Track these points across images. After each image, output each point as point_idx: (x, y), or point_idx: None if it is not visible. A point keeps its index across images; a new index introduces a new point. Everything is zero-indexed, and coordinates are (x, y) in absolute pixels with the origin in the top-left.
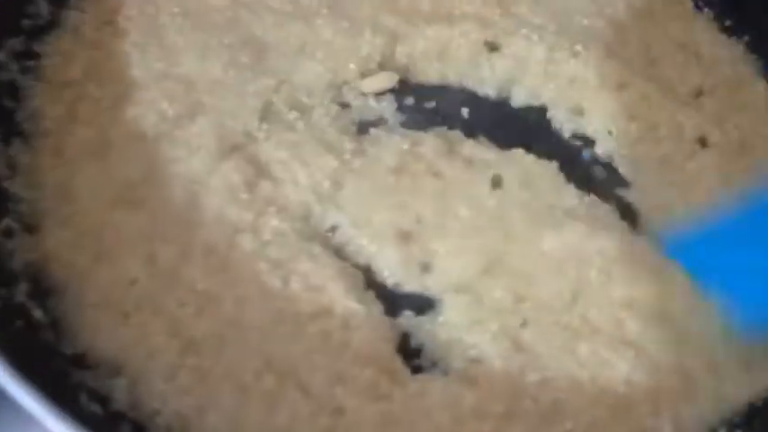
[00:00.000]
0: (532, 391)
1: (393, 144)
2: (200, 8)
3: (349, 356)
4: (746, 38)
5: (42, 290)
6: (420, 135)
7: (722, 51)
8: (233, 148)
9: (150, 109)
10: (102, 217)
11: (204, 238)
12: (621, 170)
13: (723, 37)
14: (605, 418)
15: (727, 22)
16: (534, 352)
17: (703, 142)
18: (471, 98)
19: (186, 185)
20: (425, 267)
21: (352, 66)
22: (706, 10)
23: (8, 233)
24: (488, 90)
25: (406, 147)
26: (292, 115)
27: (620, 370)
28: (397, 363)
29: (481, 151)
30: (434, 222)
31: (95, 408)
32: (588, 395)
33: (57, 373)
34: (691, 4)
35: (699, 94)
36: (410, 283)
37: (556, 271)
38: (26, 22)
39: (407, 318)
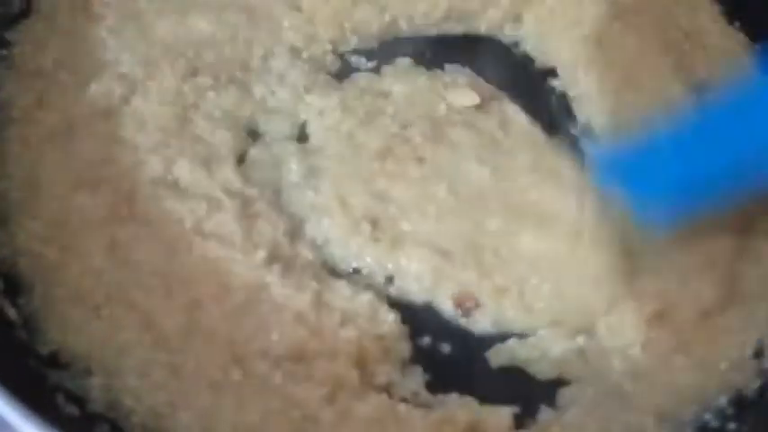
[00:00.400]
0: None
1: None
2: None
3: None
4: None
5: (14, 287)
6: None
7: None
8: None
9: (114, 84)
10: (66, 203)
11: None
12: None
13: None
14: None
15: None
16: None
17: None
18: None
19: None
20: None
21: None
22: None
23: None
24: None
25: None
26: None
27: None
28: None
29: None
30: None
31: (72, 409)
32: None
33: (33, 375)
34: None
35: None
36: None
37: None
38: None
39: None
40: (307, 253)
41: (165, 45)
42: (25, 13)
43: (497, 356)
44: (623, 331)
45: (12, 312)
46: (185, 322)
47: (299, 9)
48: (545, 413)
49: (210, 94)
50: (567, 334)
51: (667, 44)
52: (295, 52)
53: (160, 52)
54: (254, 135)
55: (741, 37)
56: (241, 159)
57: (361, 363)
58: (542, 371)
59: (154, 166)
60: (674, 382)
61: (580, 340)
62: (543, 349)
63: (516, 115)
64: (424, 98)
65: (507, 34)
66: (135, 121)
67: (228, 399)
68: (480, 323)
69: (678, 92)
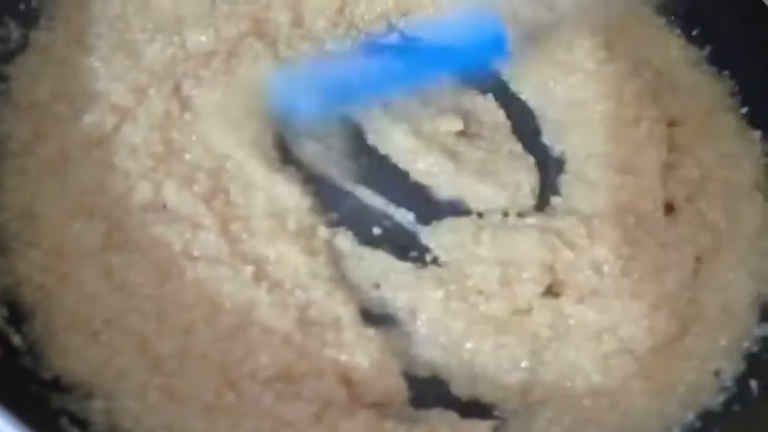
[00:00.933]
0: None
1: None
2: (174, 23)
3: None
4: (708, 47)
5: (17, 314)
6: None
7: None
8: None
9: (107, 114)
10: (63, 232)
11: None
12: None
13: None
14: None
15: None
16: None
17: None
18: None
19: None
20: None
21: None
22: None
23: None
24: None
25: None
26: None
27: None
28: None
29: None
30: None
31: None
32: None
33: (37, 399)
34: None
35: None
36: None
37: None
38: None
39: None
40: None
41: (152, 71)
42: (22, 47)
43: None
44: (581, 363)
45: (16, 339)
46: (179, 346)
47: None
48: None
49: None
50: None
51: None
52: None
53: (147, 78)
54: None
55: (713, 71)
56: None
57: (348, 381)
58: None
59: (144, 191)
60: (634, 404)
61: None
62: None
63: None
64: None
65: None
66: (126, 148)
67: (223, 421)
68: None
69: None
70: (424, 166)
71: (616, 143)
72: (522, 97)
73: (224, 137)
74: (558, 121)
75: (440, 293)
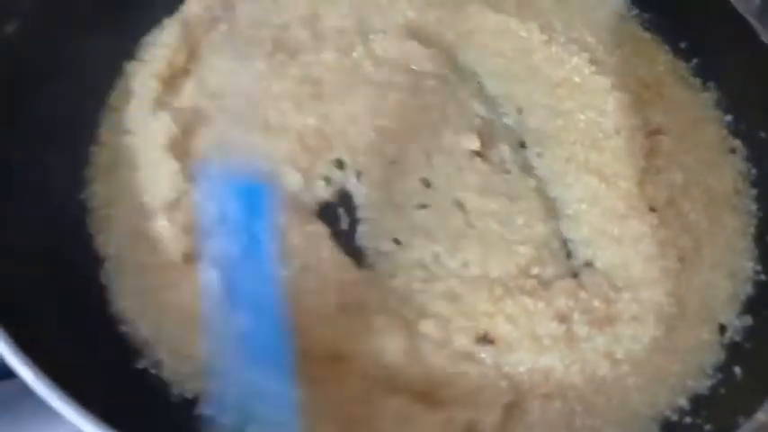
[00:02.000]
0: None
1: None
2: None
3: None
4: (695, 60)
5: None
6: None
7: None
8: None
9: None
10: None
11: None
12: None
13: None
14: None
15: (682, 45)
16: None
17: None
18: None
19: None
20: None
21: None
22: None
23: None
24: None
25: None
26: None
27: None
28: None
29: None
30: None
31: None
32: None
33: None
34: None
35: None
36: None
37: None
38: None
39: None
40: None
41: None
42: None
43: None
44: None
45: None
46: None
47: None
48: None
49: None
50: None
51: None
52: None
53: None
54: None
55: (697, 83)
56: None
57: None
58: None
59: None
60: (629, 397)
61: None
62: None
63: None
64: None
65: None
66: None
67: None
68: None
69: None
70: None
71: (596, 151)
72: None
73: None
74: (538, 130)
75: None
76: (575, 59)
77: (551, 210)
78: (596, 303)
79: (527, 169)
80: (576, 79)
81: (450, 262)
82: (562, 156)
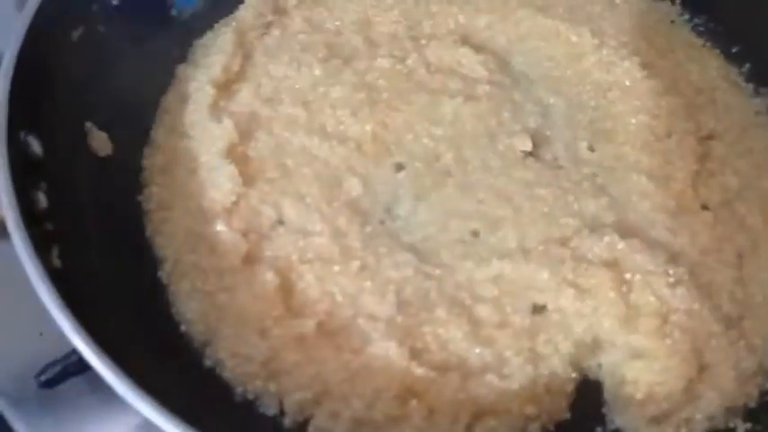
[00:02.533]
0: None
1: None
2: None
3: None
4: (747, 65)
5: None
6: None
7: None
8: None
9: None
10: None
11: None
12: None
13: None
14: None
15: (734, 50)
16: None
17: None
18: None
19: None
20: None
21: None
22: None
23: None
24: None
25: None
26: None
27: None
28: None
29: None
30: None
31: None
32: None
33: None
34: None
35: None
36: None
37: None
38: None
39: None
40: None
41: None
42: None
43: None
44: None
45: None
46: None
47: None
48: None
49: None
50: None
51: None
52: None
53: None
54: None
55: (750, 89)
56: None
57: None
58: None
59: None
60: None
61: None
62: None
63: None
64: None
65: None
66: None
67: None
68: None
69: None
70: None
71: (647, 153)
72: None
73: None
74: (587, 129)
75: None
76: (626, 63)
77: (600, 192)
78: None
79: (579, 163)
80: (627, 83)
81: (489, 238)
82: (611, 154)
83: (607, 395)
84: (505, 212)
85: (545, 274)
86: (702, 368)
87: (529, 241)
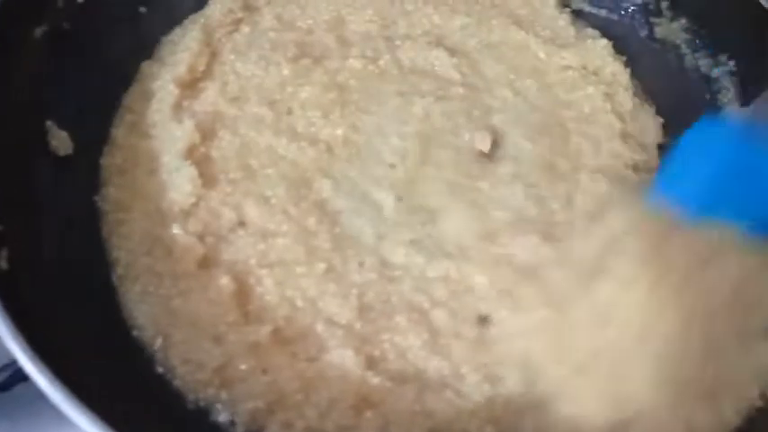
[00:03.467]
0: None
1: None
2: None
3: None
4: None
5: None
6: None
7: None
8: None
9: None
10: None
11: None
12: None
13: None
14: None
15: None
16: None
17: None
18: None
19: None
20: None
21: None
22: None
23: None
24: None
25: None
26: None
27: None
28: None
29: None
30: None
31: None
32: None
33: None
34: None
35: None
36: None
37: None
38: None
39: None
40: None
41: None
42: None
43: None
44: None
45: None
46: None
47: None
48: None
49: None
50: None
51: None
52: None
53: None
54: None
55: None
56: None
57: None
58: None
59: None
60: None
61: None
62: None
63: None
64: None
65: None
66: None
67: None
68: None
69: None
70: None
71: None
72: None
73: None
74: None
75: None
76: (590, 89)
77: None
78: None
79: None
80: (586, 110)
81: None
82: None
83: None
84: (450, 206)
85: (484, 279)
86: None
87: (466, 239)
